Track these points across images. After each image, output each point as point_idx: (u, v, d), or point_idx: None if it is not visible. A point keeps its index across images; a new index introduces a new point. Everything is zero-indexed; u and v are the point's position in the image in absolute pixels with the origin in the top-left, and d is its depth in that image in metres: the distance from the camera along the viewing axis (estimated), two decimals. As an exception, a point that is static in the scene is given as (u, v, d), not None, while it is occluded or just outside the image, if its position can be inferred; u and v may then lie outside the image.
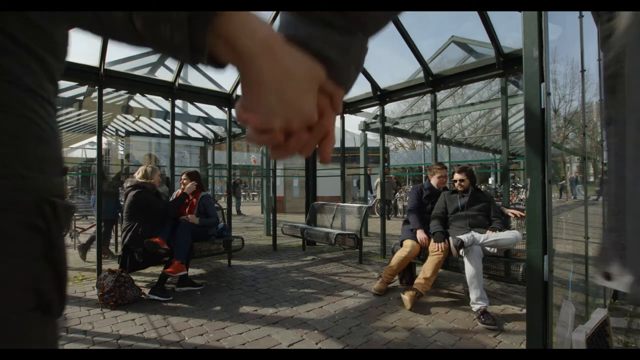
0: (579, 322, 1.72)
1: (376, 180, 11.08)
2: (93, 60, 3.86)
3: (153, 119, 8.80)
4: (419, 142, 28.38)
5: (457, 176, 3.42)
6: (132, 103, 7.67)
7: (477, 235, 2.91)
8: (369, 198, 10.81)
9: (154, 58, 6.20)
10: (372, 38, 0.43)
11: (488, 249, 2.95)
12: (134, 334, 2.42)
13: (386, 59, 47.21)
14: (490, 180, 17.22)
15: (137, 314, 2.80)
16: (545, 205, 1.32)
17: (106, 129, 10.77)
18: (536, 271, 1.34)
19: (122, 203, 4.71)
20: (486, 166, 17.07)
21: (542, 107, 1.33)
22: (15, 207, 0.39)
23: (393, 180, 11.45)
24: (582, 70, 2.02)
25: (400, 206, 11.59)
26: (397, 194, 11.53)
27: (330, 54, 0.39)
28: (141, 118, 9.12)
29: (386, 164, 5.64)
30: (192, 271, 4.08)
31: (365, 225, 6.77)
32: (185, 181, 3.84)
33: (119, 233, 4.93)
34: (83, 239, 6.14)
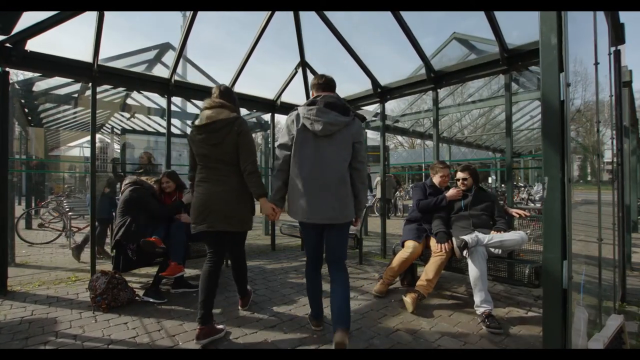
0: (592, 327, 1.63)
1: (376, 179, 10.99)
2: (87, 56, 3.77)
3: (151, 116, 8.69)
4: (419, 140, 28.33)
5: (460, 175, 3.34)
6: (129, 101, 7.57)
7: (481, 235, 2.83)
8: (368, 197, 10.73)
9: (151, 54, 6.10)
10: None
11: (492, 249, 2.86)
12: (126, 339, 2.33)
13: (385, 57, 47.06)
14: (490, 180, 17.15)
15: (130, 317, 2.70)
16: (565, 205, 1.23)
17: (103, 127, 10.66)
18: (554, 277, 1.25)
19: (117, 201, 4.62)
20: (486, 165, 16.99)
21: (562, 98, 1.24)
22: (250, 193, 2.43)
23: (393, 179, 11.36)
24: (596, 63, 1.93)
25: (400, 205, 11.50)
26: (397, 192, 11.44)
27: (277, 203, 2.35)
28: (139, 116, 9.01)
29: (386, 163, 5.55)
30: (188, 271, 3.98)
31: (365, 224, 6.68)
32: (166, 182, 3.73)
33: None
34: (78, 238, 6.06)
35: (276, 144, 2.36)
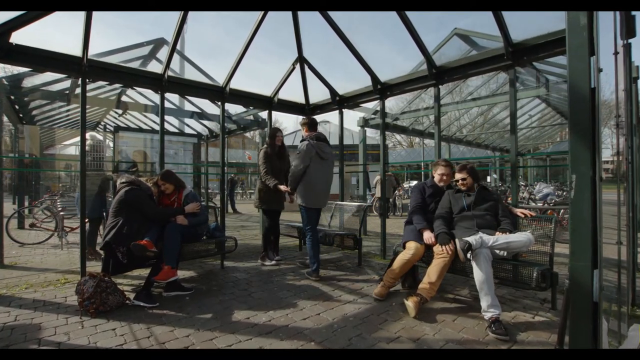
0: (610, 336, 1.52)
1: (375, 178, 10.88)
2: (78, 52, 3.62)
3: (146, 114, 8.53)
4: (417, 140, 28.21)
5: (458, 175, 3.21)
6: (125, 98, 7.41)
7: (485, 237, 2.71)
8: (367, 196, 10.60)
9: (145, 50, 5.94)
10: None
11: (497, 251, 2.74)
12: (113, 346, 2.20)
13: (383, 55, 46.87)
14: (489, 179, 17.05)
15: (119, 322, 2.58)
16: (597, 208, 1.10)
17: (99, 125, 10.49)
18: (583, 289, 1.11)
19: (110, 200, 4.48)
20: (484, 164, 16.88)
21: (592, 86, 1.12)
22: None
23: (392, 178, 11.24)
24: (615, 53, 1.81)
25: (399, 204, 11.39)
26: (396, 192, 11.33)
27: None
28: (134, 114, 8.85)
29: (387, 162, 5.43)
30: (182, 273, 3.86)
31: (364, 224, 6.56)
32: (162, 184, 3.58)
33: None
34: (71, 238, 5.92)
35: (299, 160, 3.74)
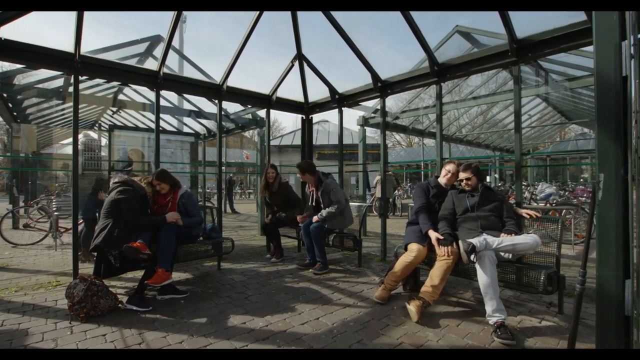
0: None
1: (376, 178, 10.78)
2: (71, 48, 3.52)
3: (143, 112, 8.41)
4: (417, 139, 28.11)
5: (462, 175, 3.09)
6: (122, 96, 7.30)
7: (490, 239, 2.61)
8: (367, 196, 10.50)
9: (141, 47, 5.83)
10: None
11: (502, 254, 2.65)
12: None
13: (384, 53, 46.74)
14: (489, 178, 16.97)
15: (110, 327, 2.48)
16: (629, 210, 0.99)
17: (95, 124, 10.38)
18: (613, 301, 0.99)
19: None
20: (484, 163, 16.79)
21: (624, 74, 1.02)
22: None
23: (392, 178, 11.14)
24: (634, 44, 1.71)
25: (399, 204, 11.30)
26: (396, 192, 11.23)
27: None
28: (130, 112, 8.73)
29: (387, 162, 5.34)
30: (177, 275, 3.77)
31: (364, 224, 6.48)
32: (157, 184, 3.46)
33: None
34: (66, 239, 5.81)
35: (342, 197, 4.05)
